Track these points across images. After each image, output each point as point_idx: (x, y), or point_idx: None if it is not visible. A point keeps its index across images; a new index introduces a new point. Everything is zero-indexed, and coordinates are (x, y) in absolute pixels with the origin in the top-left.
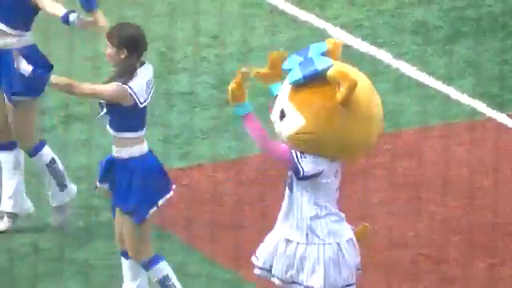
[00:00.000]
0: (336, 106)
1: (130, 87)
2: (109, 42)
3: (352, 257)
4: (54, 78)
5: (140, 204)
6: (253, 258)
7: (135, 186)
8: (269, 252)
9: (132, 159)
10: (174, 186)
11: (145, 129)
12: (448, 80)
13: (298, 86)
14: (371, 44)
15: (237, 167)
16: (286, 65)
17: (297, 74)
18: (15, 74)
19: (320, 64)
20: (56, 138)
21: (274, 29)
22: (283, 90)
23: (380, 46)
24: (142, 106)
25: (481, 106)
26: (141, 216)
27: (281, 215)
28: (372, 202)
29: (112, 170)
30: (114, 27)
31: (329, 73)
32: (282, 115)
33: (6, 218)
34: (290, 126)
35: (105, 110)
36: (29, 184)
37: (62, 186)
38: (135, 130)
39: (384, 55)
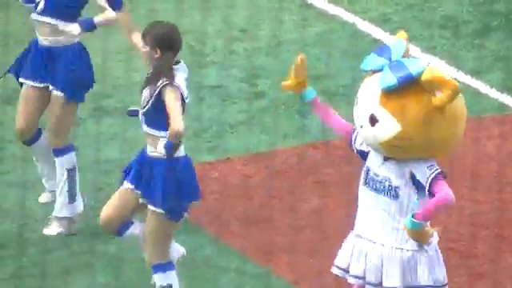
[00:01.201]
0: (432, 110)
1: (178, 85)
2: (143, 41)
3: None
4: (173, 139)
5: (178, 204)
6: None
7: (173, 185)
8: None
9: (171, 160)
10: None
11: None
12: (477, 74)
13: (391, 90)
14: None
15: (266, 161)
16: (365, 65)
17: (390, 80)
18: (71, 73)
19: (413, 68)
20: (86, 131)
21: (303, 22)
22: (369, 93)
23: (409, 40)
24: (186, 101)
25: (510, 100)
26: (179, 215)
27: (373, 221)
28: None
29: (142, 169)
30: (148, 27)
31: (424, 78)
32: (373, 120)
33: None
34: (384, 132)
35: (146, 108)
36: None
37: (73, 198)
38: None
39: (413, 49)
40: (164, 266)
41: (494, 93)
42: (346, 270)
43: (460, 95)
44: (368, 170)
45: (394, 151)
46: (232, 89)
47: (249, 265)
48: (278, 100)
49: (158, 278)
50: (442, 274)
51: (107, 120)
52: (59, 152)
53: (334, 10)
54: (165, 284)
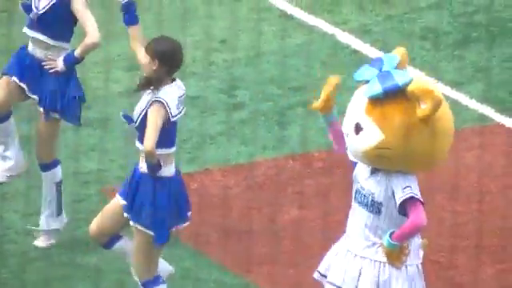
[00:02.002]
0: (415, 122)
1: (162, 99)
2: (146, 51)
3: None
4: (147, 159)
5: (163, 226)
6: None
7: (160, 206)
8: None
9: (160, 178)
10: (189, 213)
11: (175, 147)
12: (457, 85)
13: (377, 99)
14: (380, 49)
15: (245, 172)
16: (358, 76)
17: (376, 88)
18: (55, 89)
19: (400, 78)
20: (65, 142)
21: (282, 33)
22: (357, 102)
23: (389, 51)
24: (173, 119)
25: (489, 112)
26: (164, 238)
27: (356, 233)
28: None
29: (131, 184)
30: (155, 39)
31: (409, 88)
32: (358, 129)
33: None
34: (368, 141)
35: (136, 123)
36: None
37: (59, 211)
38: (166, 146)
39: None
40: (153, 282)
41: (473, 104)
42: (325, 276)
43: (449, 111)
44: (356, 182)
45: (376, 161)
46: (211, 100)
47: (228, 276)
48: (258, 111)
49: None
50: None
51: (86, 131)
52: (46, 167)
53: (313, 20)
54: None
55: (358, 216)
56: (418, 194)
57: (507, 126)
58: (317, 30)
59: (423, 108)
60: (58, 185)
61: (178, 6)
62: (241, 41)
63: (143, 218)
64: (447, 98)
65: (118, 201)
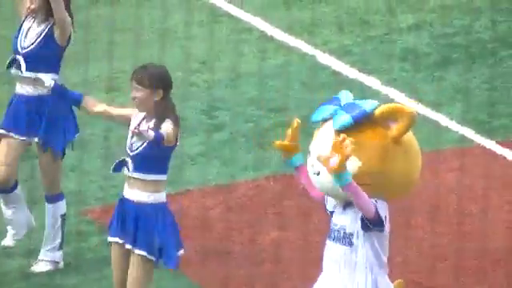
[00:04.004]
0: (389, 143)
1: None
2: (138, 84)
3: None
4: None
5: (173, 249)
6: None
7: (164, 230)
8: None
9: (157, 204)
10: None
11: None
12: (437, 106)
13: (344, 131)
14: (360, 70)
15: (225, 193)
16: (315, 117)
17: (345, 118)
18: (58, 125)
19: (367, 105)
20: None
21: (263, 55)
22: (322, 139)
23: (369, 72)
24: (177, 144)
25: (470, 133)
26: (176, 261)
27: (331, 268)
28: None
29: (126, 215)
30: (141, 69)
31: (377, 111)
32: None
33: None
34: None
35: (135, 151)
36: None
37: (61, 245)
38: (164, 172)
39: (373, 81)
40: None
41: (454, 125)
42: None
43: (412, 136)
44: (331, 222)
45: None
46: (191, 121)
47: None
48: (238, 132)
49: None
50: None
51: (66, 152)
52: (53, 199)
53: (293, 41)
54: None
55: (332, 253)
56: (382, 213)
57: (487, 147)
58: (297, 50)
59: (397, 126)
60: (63, 218)
61: (158, 28)
62: (221, 62)
63: (152, 246)
64: (427, 119)
65: (116, 244)
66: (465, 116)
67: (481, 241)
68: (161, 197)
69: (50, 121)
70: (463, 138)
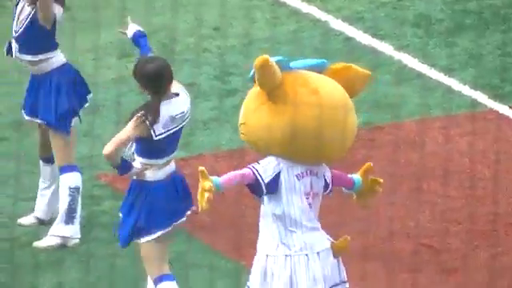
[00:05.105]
0: (263, 97)
1: (151, 123)
2: (134, 78)
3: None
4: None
5: (124, 229)
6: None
7: (138, 209)
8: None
9: (143, 182)
10: (193, 208)
11: (164, 159)
12: (449, 72)
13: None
14: (373, 36)
15: (238, 157)
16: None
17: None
18: (51, 101)
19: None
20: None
21: (275, 21)
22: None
23: (382, 38)
24: (156, 138)
25: (482, 98)
26: (124, 241)
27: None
28: None
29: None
30: (137, 64)
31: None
32: None
33: (32, 217)
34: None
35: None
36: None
37: (69, 220)
38: (150, 157)
39: (386, 47)
40: (156, 281)
41: (466, 90)
42: None
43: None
44: None
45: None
46: (204, 86)
47: (221, 260)
48: None
49: None
50: None
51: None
52: (63, 170)
53: (306, 8)
54: None
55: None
56: (260, 168)
57: (499, 112)
58: (310, 17)
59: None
60: (72, 191)
61: None
62: (233, 28)
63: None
64: (440, 84)
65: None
66: (477, 81)
67: (493, 205)
68: (146, 175)
69: (45, 97)
70: (475, 103)
